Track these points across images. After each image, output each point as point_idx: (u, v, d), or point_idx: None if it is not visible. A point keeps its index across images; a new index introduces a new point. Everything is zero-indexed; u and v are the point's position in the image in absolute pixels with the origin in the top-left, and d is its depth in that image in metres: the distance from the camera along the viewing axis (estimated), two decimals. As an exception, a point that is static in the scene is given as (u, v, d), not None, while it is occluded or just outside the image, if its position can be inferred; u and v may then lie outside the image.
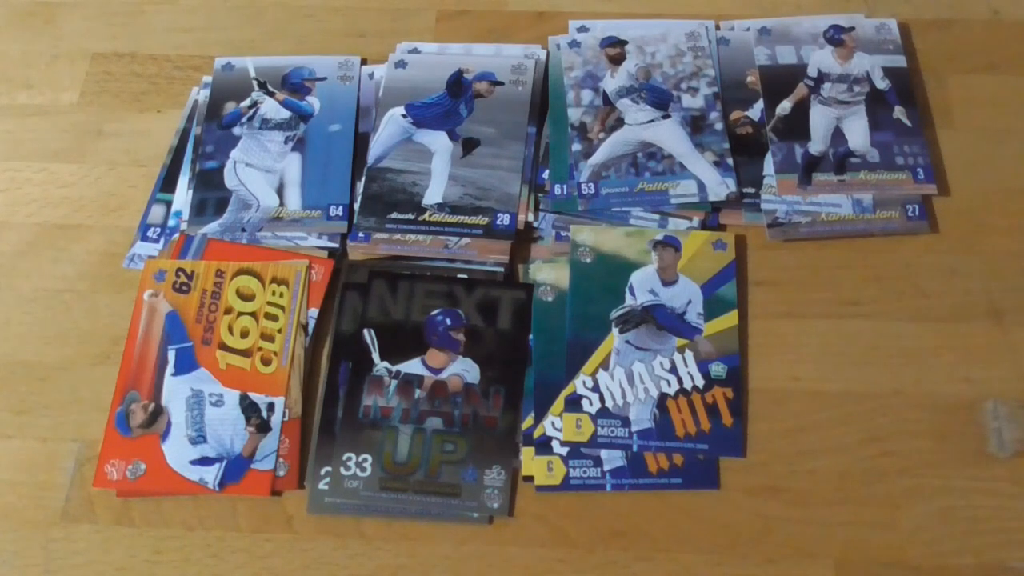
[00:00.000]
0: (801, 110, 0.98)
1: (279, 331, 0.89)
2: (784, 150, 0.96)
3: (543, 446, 0.83)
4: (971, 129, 0.99)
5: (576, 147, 0.97)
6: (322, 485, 0.82)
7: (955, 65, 1.02)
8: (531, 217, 0.94)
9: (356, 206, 0.95)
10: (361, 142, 0.99)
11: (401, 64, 1.03)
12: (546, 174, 0.96)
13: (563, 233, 0.93)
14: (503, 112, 0.99)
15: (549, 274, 0.91)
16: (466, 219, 0.93)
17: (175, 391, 0.86)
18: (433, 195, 0.95)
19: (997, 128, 0.99)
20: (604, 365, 0.86)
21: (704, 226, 0.93)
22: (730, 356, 0.86)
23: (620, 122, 0.98)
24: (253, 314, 0.90)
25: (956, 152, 0.97)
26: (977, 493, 0.81)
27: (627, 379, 0.85)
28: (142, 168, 1.00)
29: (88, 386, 0.88)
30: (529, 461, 0.83)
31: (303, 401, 0.86)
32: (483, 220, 0.93)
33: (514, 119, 0.99)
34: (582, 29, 1.05)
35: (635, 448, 0.83)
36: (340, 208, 0.95)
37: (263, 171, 0.98)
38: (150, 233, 0.96)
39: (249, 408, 0.85)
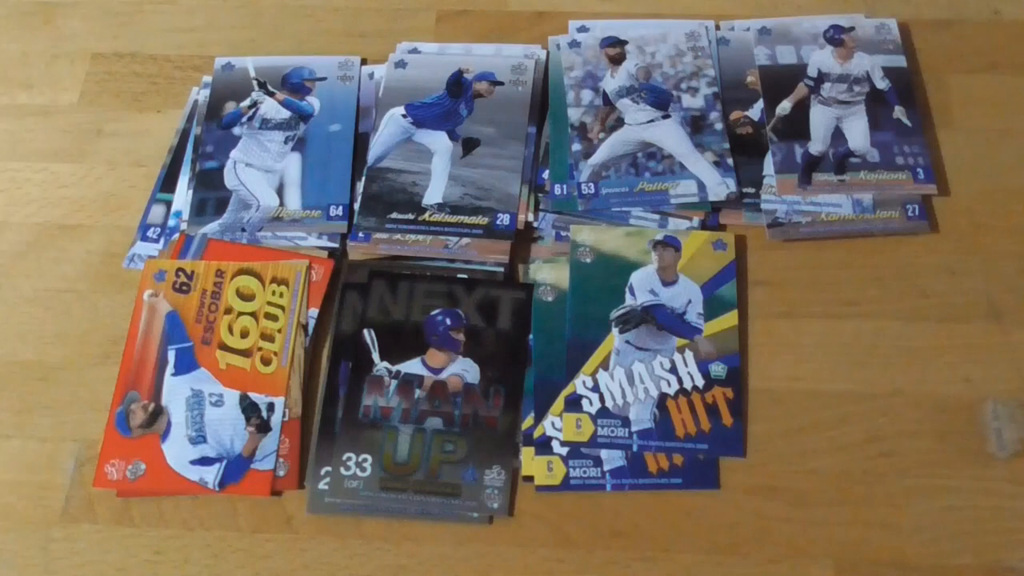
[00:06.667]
0: (801, 110, 0.98)
1: (279, 331, 0.89)
2: (784, 150, 0.96)
3: (543, 446, 0.83)
4: (971, 129, 0.98)
5: (576, 147, 0.97)
6: (322, 485, 0.82)
7: (955, 65, 1.02)
8: (531, 217, 0.94)
9: (356, 206, 0.95)
10: (361, 142, 0.99)
11: (401, 64, 1.03)
12: (546, 174, 0.96)
13: (563, 233, 0.93)
14: (503, 112, 0.99)
15: (549, 274, 0.91)
16: (466, 219, 0.93)
17: (175, 391, 0.86)
18: (433, 195, 0.95)
19: (997, 128, 0.99)
20: (604, 365, 0.86)
21: (704, 226, 0.93)
22: (730, 356, 0.86)
23: (620, 122, 0.98)
24: (253, 314, 0.90)
25: (956, 152, 0.97)
26: (977, 493, 0.81)
27: (627, 379, 0.85)
28: (142, 168, 1.00)
29: (88, 386, 0.88)
30: (529, 461, 0.83)
31: (303, 401, 0.86)
32: (483, 220, 0.93)
33: (514, 119, 0.99)
34: (582, 29, 1.05)
35: (635, 448, 0.83)
36: (340, 208, 0.95)
37: (263, 171, 0.98)
38: (150, 233, 0.96)
39: (249, 408, 0.85)
